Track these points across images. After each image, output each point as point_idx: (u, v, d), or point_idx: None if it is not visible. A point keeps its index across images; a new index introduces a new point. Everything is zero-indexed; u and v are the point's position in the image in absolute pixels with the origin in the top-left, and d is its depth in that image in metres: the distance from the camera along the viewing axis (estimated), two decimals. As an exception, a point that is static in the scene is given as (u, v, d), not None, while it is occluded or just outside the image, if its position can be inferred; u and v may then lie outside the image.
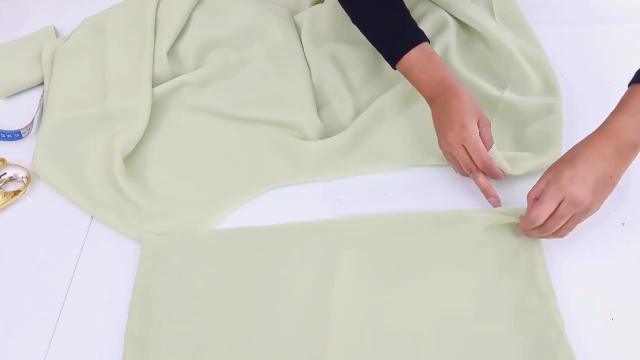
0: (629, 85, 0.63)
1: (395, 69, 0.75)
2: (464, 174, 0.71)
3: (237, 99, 0.86)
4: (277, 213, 0.73)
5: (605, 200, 0.71)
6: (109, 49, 0.91)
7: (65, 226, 0.74)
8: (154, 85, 0.85)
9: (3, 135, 0.84)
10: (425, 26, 0.88)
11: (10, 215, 0.76)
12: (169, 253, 0.69)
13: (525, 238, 0.67)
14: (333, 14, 0.94)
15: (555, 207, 0.60)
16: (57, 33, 1.01)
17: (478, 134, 0.67)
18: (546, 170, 0.64)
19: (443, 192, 0.74)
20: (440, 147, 0.71)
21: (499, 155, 0.69)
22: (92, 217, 0.75)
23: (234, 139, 0.82)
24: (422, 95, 0.73)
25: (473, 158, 0.67)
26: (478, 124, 0.67)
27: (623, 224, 0.69)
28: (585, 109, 0.81)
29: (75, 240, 0.73)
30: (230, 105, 0.85)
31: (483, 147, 0.67)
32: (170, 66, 0.89)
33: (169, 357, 0.61)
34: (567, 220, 0.61)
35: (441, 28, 0.90)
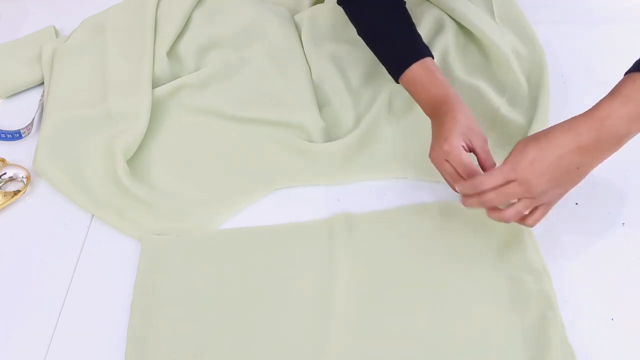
0: (625, 73, 0.58)
1: (398, 83, 0.74)
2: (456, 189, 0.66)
3: (237, 100, 0.86)
4: (277, 213, 0.73)
5: (604, 200, 0.71)
6: (109, 49, 0.91)
7: (65, 226, 0.74)
8: (154, 85, 0.85)
9: (3, 135, 0.84)
10: (424, 28, 0.88)
11: (10, 215, 0.76)
12: (169, 253, 0.69)
13: (514, 223, 0.66)
14: (333, 14, 0.94)
15: (501, 182, 0.57)
16: (57, 33, 1.01)
17: (461, 147, 0.63)
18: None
19: (444, 193, 0.74)
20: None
21: None
22: (93, 217, 0.75)
23: (235, 140, 0.82)
24: (424, 112, 0.72)
25: (459, 170, 0.63)
26: (471, 142, 0.64)
27: (623, 224, 0.69)
28: (585, 109, 0.81)
29: (75, 240, 0.73)
30: (231, 105, 0.85)
31: (467, 159, 0.62)
32: (170, 66, 0.89)
33: (169, 357, 0.61)
34: (535, 209, 0.60)
35: (440, 30, 0.89)
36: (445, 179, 0.66)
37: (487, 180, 0.58)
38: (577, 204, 0.71)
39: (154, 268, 0.68)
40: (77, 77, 0.89)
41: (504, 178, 0.57)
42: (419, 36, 0.74)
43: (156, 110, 0.84)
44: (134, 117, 0.81)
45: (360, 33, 0.78)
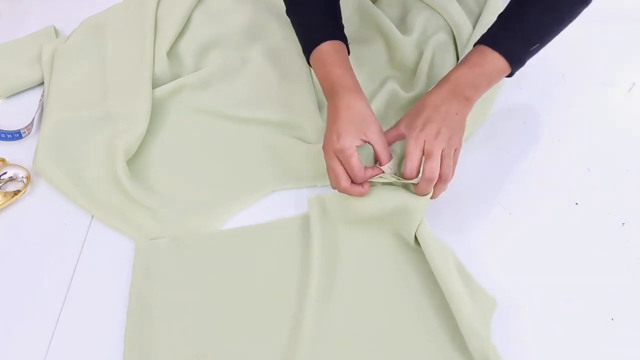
0: (473, 45, 0.68)
1: (310, 65, 0.74)
2: (337, 188, 0.65)
3: (237, 100, 0.86)
4: (276, 214, 0.73)
5: (602, 200, 0.71)
6: (109, 49, 0.91)
7: (65, 226, 0.74)
8: (154, 85, 0.85)
9: (3, 135, 0.84)
10: (419, 29, 0.87)
11: (10, 215, 0.76)
12: (163, 258, 0.69)
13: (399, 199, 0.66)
14: (333, 14, 0.94)
15: (421, 155, 0.62)
16: (57, 33, 1.01)
17: (354, 148, 0.62)
18: (398, 122, 0.67)
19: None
20: None
21: (396, 168, 0.66)
22: (92, 217, 0.75)
23: (235, 140, 0.82)
24: (323, 92, 0.71)
25: (348, 171, 0.62)
26: (366, 135, 0.63)
27: (623, 224, 0.69)
28: (586, 108, 0.81)
29: (75, 240, 0.73)
30: (231, 106, 0.84)
31: (357, 162, 0.62)
32: (170, 66, 0.89)
33: (168, 358, 0.61)
34: (442, 160, 0.62)
35: (437, 30, 0.89)
36: (330, 173, 0.65)
37: (414, 164, 0.62)
38: (577, 204, 0.71)
39: (149, 273, 0.68)
40: (77, 77, 0.89)
41: (419, 150, 0.62)
42: (341, 25, 0.74)
43: (156, 110, 0.84)
44: (134, 117, 0.81)
45: (287, 12, 0.78)
